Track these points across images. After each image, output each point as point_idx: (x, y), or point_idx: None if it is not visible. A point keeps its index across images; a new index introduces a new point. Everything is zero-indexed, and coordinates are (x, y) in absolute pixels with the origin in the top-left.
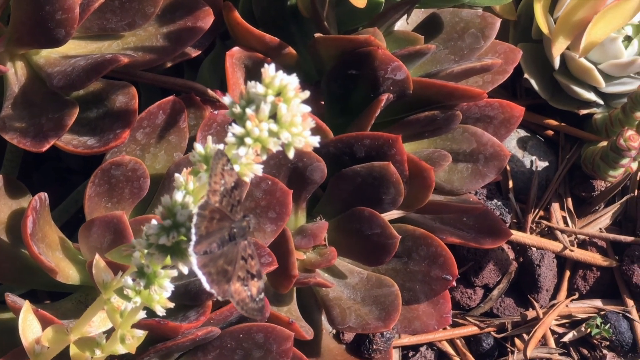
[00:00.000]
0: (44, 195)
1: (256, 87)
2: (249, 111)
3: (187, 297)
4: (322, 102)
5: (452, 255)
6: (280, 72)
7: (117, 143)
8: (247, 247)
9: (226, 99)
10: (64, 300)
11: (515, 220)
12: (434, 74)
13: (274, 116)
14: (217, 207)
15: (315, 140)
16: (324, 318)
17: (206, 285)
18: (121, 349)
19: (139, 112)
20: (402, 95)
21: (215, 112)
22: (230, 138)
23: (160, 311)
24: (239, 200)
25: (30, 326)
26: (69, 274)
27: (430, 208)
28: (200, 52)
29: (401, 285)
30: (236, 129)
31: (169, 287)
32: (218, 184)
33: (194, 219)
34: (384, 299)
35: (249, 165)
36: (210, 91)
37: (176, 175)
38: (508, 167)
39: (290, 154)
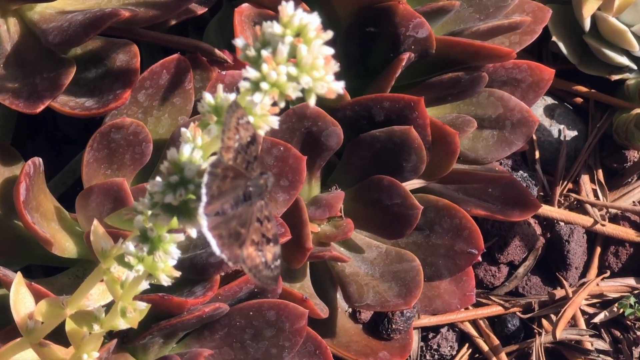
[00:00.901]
0: (38, 160)
1: (273, 27)
2: (264, 53)
3: (193, 270)
4: (338, 63)
5: (477, 227)
6: (300, 10)
7: (117, 104)
8: (263, 208)
9: (239, 41)
10: (60, 275)
11: (542, 193)
12: (458, 33)
13: (293, 59)
14: (230, 164)
15: (339, 86)
16: (339, 295)
17: (216, 250)
18: (122, 324)
19: (140, 72)
20: (424, 55)
21: (223, 73)
22: (244, 83)
23: (165, 281)
24: (256, 156)
25: (22, 300)
26: (65, 246)
27: (454, 177)
28: (206, 9)
29: (422, 260)
30: (251, 72)
31: (175, 253)
32: (232, 140)
33: (205, 178)
34: (404, 275)
35: (264, 117)
36: (217, 51)
37: (182, 129)
38: (534, 137)
39: (312, 101)
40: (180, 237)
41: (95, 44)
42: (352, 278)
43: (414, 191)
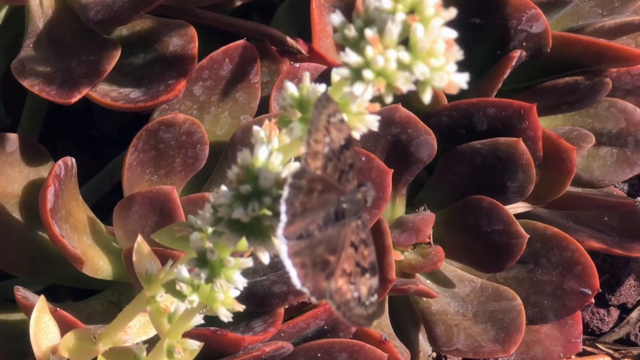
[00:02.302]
0: (70, 160)
1: (380, 1)
2: (369, 33)
3: (252, 301)
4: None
5: (592, 263)
6: None
7: (168, 97)
8: (360, 230)
9: (335, 17)
10: (91, 300)
11: None
12: (578, 30)
13: (404, 42)
14: (318, 175)
15: (463, 79)
16: (421, 337)
17: (296, 281)
18: None
19: (197, 60)
20: (537, 55)
21: (296, 65)
22: (341, 71)
23: (225, 316)
24: (351, 164)
25: (45, 330)
26: (98, 265)
27: (565, 202)
28: None
29: (524, 298)
30: (351, 56)
31: (241, 283)
32: (321, 143)
33: (285, 192)
34: (503, 316)
35: (360, 116)
36: (289, 39)
37: (255, 127)
38: None
39: (426, 97)
40: (249, 262)
41: (145, 24)
42: (439, 317)
43: (516, 216)
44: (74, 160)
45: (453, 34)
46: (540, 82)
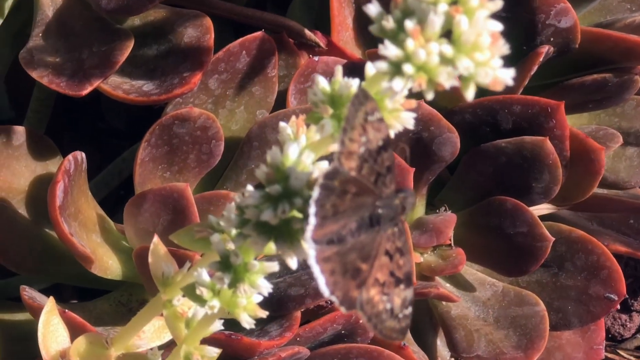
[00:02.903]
0: (80, 155)
1: None
2: (409, 25)
3: (268, 304)
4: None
5: (619, 267)
6: None
7: (183, 90)
8: (396, 238)
9: (372, 7)
10: (100, 300)
11: None
12: (607, 25)
13: (446, 35)
14: (352, 176)
15: (509, 75)
16: (439, 342)
17: (324, 289)
18: None
19: (213, 51)
20: (565, 50)
21: (316, 58)
22: (379, 64)
23: (247, 322)
24: (389, 167)
25: (54, 333)
26: (108, 264)
27: (591, 204)
28: None
29: (547, 304)
30: (390, 49)
31: (265, 288)
32: (357, 143)
33: (315, 193)
34: (525, 321)
35: (395, 113)
36: (307, 31)
37: (282, 124)
38: None
39: (470, 94)
40: (275, 266)
41: (159, 14)
42: (459, 322)
43: (540, 218)
44: (84, 155)
45: (499, 26)
46: (567, 78)
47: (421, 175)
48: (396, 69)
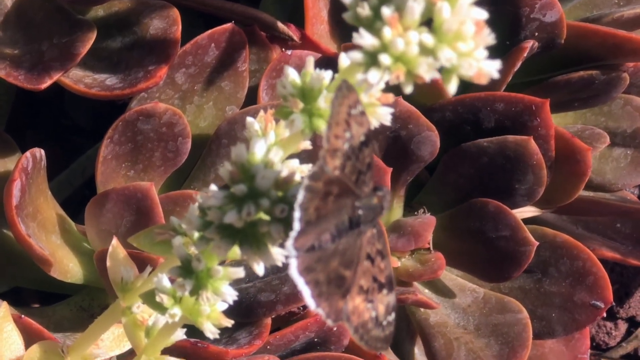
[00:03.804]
0: (39, 152)
1: None
2: (386, 12)
3: (237, 311)
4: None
5: (605, 273)
6: None
7: (148, 84)
8: (375, 240)
9: None
10: (60, 305)
11: None
12: (594, 20)
13: (426, 24)
14: (336, 176)
15: (494, 68)
16: (417, 350)
17: (310, 302)
18: None
19: (180, 44)
20: (550, 46)
21: (289, 52)
22: (353, 54)
23: (210, 332)
24: (369, 164)
25: (7, 341)
26: (68, 267)
27: (577, 207)
28: None
29: (531, 311)
30: (366, 38)
31: (230, 295)
32: (341, 139)
33: (300, 196)
34: (508, 330)
35: (371, 108)
36: (280, 24)
37: (249, 119)
38: None
39: (452, 87)
40: (240, 272)
41: (124, 5)
42: (438, 329)
43: (524, 221)
44: (42, 152)
45: (483, 14)
46: (552, 76)
47: (399, 175)
48: (372, 59)
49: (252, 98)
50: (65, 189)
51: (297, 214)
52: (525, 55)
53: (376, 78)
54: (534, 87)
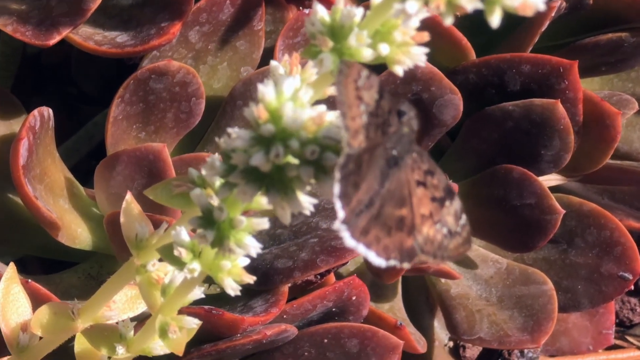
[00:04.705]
0: (47, 110)
1: None
2: None
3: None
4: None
5: (634, 244)
6: None
7: (161, 41)
8: (419, 162)
9: None
10: (67, 273)
11: None
12: None
13: None
14: (363, 147)
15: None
16: (437, 323)
17: (379, 261)
18: (159, 348)
19: (195, 0)
20: (578, 7)
21: (306, 11)
22: None
23: (231, 288)
24: (390, 109)
25: (14, 303)
26: (76, 232)
27: (604, 175)
28: None
29: (556, 283)
30: None
31: (254, 248)
32: (358, 117)
33: (336, 188)
34: (532, 302)
35: (405, 47)
36: None
37: (273, 62)
38: None
39: (495, 19)
40: (265, 223)
41: None
42: (459, 301)
43: (550, 189)
44: (50, 111)
45: None
46: (579, 38)
47: (420, 141)
48: None
49: (267, 60)
50: (72, 156)
51: (338, 204)
52: (552, 15)
53: (415, 8)
54: (561, 51)
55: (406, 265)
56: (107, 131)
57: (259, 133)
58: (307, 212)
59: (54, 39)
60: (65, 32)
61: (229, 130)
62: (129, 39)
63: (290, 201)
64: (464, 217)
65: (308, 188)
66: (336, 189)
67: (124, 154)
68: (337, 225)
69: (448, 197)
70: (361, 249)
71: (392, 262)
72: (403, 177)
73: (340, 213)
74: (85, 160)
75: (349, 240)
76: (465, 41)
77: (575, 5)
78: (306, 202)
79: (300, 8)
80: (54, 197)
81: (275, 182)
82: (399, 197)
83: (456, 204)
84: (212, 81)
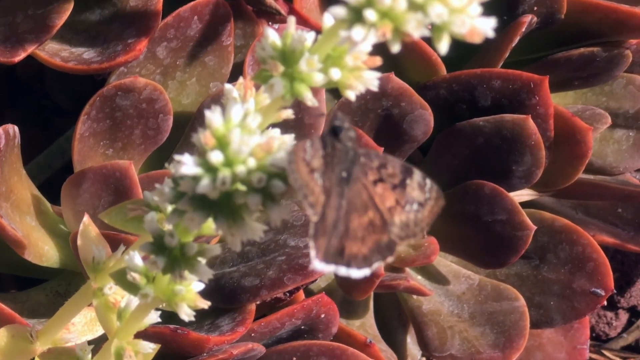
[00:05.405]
0: (12, 128)
1: None
2: None
3: (219, 296)
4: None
5: (606, 260)
6: None
7: (127, 58)
8: (369, 162)
9: None
10: (34, 290)
11: None
12: None
13: None
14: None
15: (489, 25)
16: (409, 339)
17: (363, 273)
18: None
19: (162, 16)
20: (549, 22)
21: (276, 26)
22: (337, 10)
23: (185, 314)
24: (333, 146)
25: None
26: (43, 250)
27: (576, 190)
28: None
29: (528, 299)
30: None
31: (206, 274)
32: (315, 187)
33: (311, 230)
34: (504, 318)
35: (356, 72)
36: None
37: (227, 86)
38: None
39: (443, 45)
40: (216, 249)
41: None
42: (431, 318)
43: (521, 205)
44: (16, 128)
45: None
46: (551, 53)
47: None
48: (357, 15)
49: (237, 75)
50: (44, 171)
51: (312, 250)
52: (523, 30)
53: (360, 35)
54: (532, 65)
55: (390, 260)
56: (74, 148)
57: (205, 160)
58: (256, 238)
59: (19, 56)
60: (30, 49)
61: (176, 157)
62: (96, 55)
63: (240, 228)
64: (427, 181)
65: (256, 215)
66: (311, 230)
67: (90, 171)
68: (314, 265)
69: (407, 175)
70: (342, 271)
71: (376, 265)
72: (357, 186)
73: (314, 253)
74: (58, 174)
75: (318, 266)
76: (435, 56)
77: (546, 20)
78: (257, 229)
79: (270, 24)
80: (21, 215)
81: (224, 209)
82: (360, 204)
83: (417, 176)
84: (181, 97)
